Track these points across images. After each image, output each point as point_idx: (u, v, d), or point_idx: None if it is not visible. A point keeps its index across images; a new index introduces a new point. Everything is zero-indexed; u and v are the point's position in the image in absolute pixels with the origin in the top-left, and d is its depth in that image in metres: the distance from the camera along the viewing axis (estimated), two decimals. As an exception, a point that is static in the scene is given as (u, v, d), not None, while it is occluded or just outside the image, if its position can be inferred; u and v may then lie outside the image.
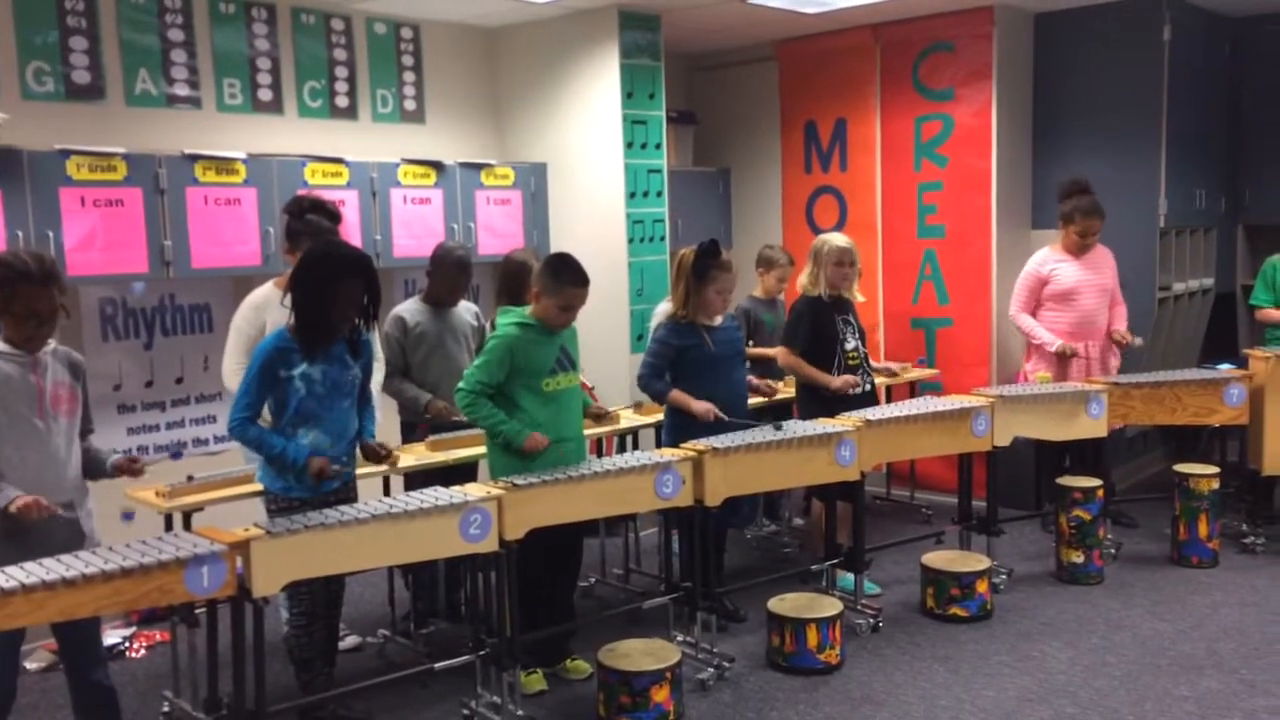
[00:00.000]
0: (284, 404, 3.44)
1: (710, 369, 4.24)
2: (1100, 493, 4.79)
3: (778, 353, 4.80)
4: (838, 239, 4.72)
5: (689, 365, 4.23)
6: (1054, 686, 3.78)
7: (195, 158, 4.55)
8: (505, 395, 3.77)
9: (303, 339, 3.41)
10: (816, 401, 4.64)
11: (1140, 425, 5.62)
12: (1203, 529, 4.92)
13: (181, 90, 4.85)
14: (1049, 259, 5.47)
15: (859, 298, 4.88)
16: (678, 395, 4.21)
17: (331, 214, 4.08)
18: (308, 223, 3.98)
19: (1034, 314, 5.49)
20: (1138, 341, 5.42)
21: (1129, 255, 5.63)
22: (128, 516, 2.89)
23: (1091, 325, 5.40)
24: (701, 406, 4.14)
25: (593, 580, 4.89)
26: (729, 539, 4.71)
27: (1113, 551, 5.06)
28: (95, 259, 4.27)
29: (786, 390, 5.10)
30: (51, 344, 3.07)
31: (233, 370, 4.03)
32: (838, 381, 4.61)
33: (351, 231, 4.91)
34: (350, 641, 4.30)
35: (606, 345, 5.64)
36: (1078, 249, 5.40)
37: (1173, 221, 5.95)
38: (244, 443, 3.51)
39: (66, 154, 4.20)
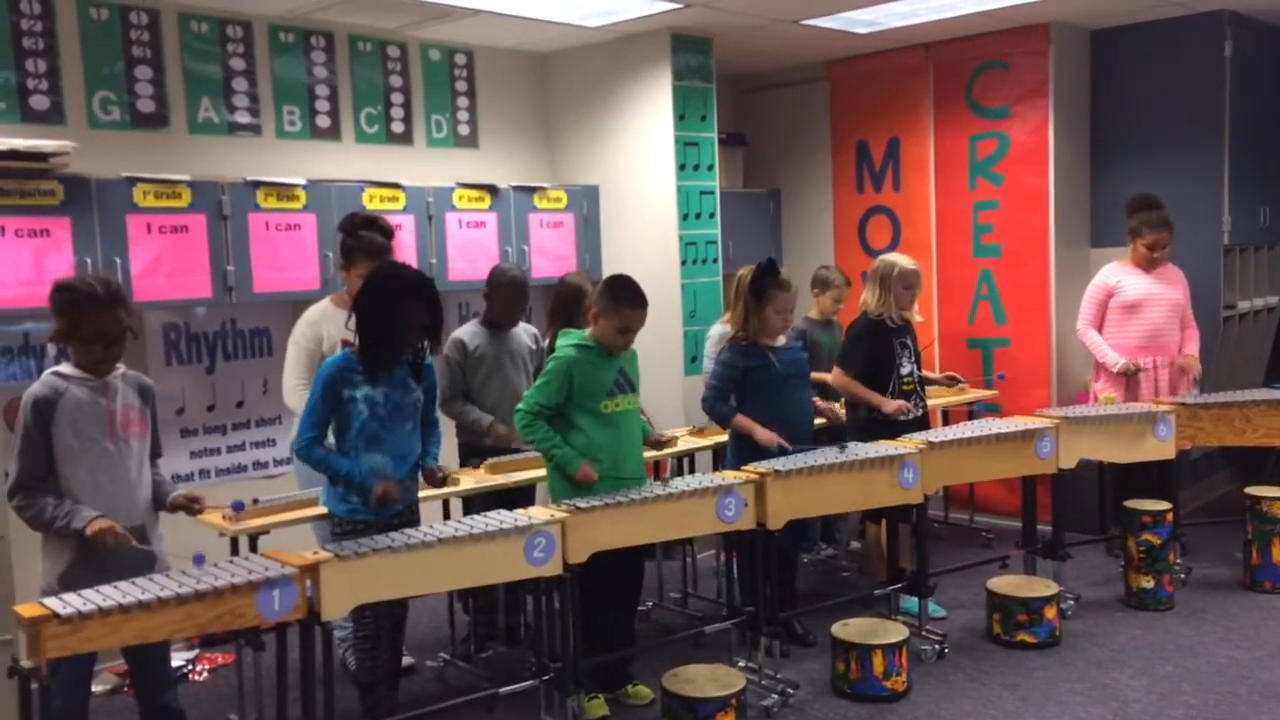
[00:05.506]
0: (347, 425, 3.46)
1: (776, 389, 4.20)
2: (1170, 516, 4.68)
3: (832, 374, 4.74)
4: (905, 261, 4.64)
5: (754, 386, 4.20)
6: (1129, 716, 3.68)
7: (257, 184, 4.60)
8: (564, 417, 3.78)
9: (366, 360, 3.43)
10: (869, 424, 4.58)
11: (1206, 446, 5.49)
12: (1276, 553, 4.78)
13: (243, 118, 4.91)
14: (1117, 271, 5.37)
15: (918, 318, 4.82)
16: (743, 421, 4.17)
17: (384, 229, 4.09)
18: (362, 239, 4.00)
19: (1100, 329, 5.39)
20: (1194, 373, 5.30)
21: (1192, 274, 5.50)
22: (199, 560, 2.89)
23: (1159, 341, 5.29)
24: (765, 435, 4.09)
25: (650, 604, 4.85)
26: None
27: (1182, 577, 4.94)
28: (160, 284, 4.32)
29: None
30: (121, 368, 3.10)
31: (292, 386, 4.04)
32: (891, 405, 4.53)
33: (408, 255, 4.94)
34: (405, 662, 4.28)
35: (660, 367, 5.61)
36: (1147, 263, 5.30)
37: (1236, 239, 5.84)
38: (309, 463, 3.52)
39: (133, 181, 4.26)
